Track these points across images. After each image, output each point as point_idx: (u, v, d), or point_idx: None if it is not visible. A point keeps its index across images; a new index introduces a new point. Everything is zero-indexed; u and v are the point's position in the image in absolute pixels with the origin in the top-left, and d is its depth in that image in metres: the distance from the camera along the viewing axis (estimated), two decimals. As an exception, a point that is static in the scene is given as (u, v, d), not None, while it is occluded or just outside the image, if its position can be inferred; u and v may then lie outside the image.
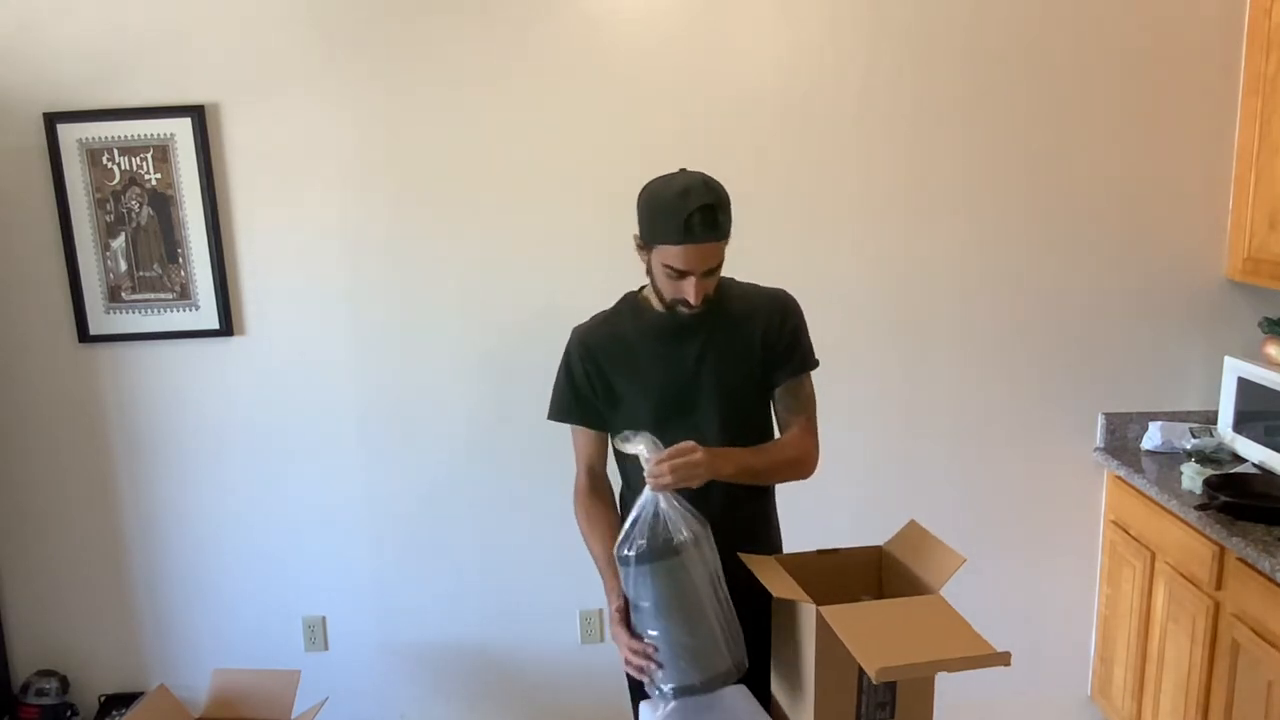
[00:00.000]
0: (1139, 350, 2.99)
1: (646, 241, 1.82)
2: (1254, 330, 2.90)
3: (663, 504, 1.70)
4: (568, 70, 2.81)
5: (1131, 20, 2.80)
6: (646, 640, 1.72)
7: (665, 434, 1.83)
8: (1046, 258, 2.94)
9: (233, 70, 2.80)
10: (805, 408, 1.99)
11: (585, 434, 2.03)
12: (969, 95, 2.85)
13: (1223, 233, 2.91)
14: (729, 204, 1.80)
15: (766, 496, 2.07)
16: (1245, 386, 2.74)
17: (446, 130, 2.84)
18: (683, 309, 1.85)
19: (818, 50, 2.82)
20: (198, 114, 2.79)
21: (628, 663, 1.75)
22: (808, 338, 2.01)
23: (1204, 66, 2.83)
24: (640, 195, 1.84)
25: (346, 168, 2.86)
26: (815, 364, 2.01)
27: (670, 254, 1.77)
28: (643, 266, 1.91)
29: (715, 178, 1.81)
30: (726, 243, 1.81)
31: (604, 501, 2.03)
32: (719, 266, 1.83)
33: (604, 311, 2.03)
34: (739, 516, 1.96)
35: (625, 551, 1.70)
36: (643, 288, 2.00)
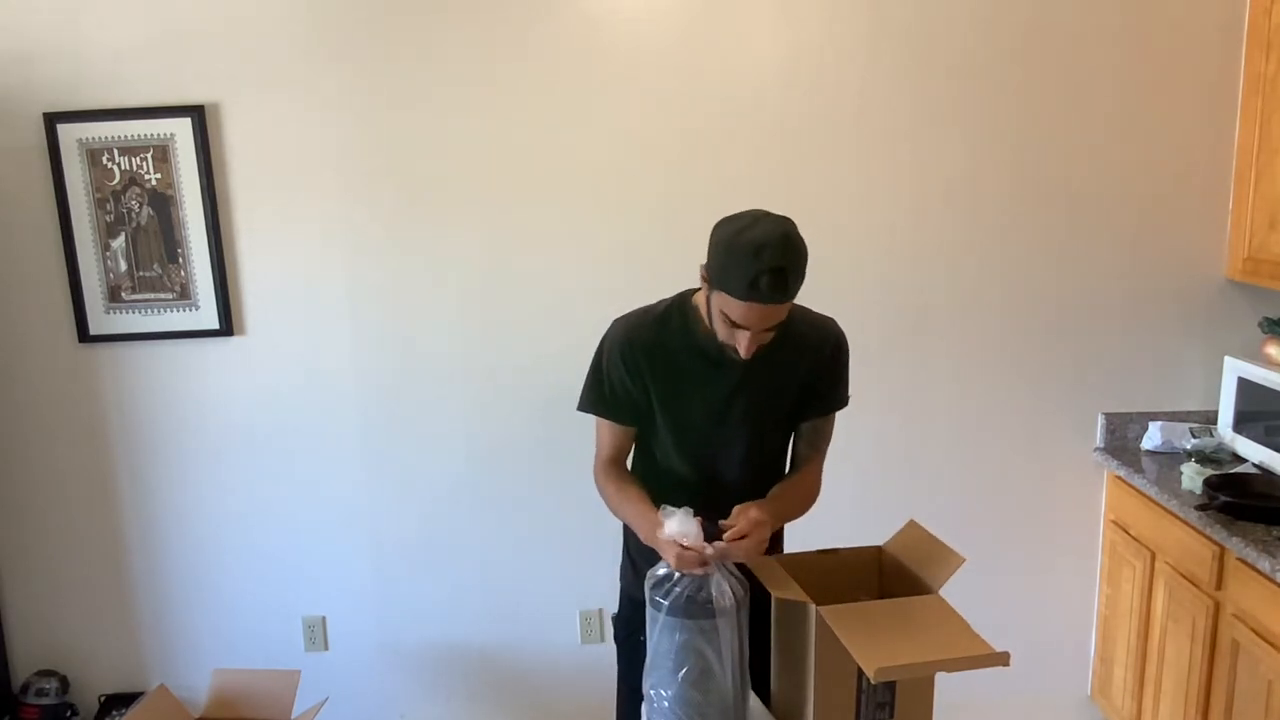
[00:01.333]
0: (1139, 350, 2.99)
1: (712, 280, 1.72)
2: (1254, 330, 2.90)
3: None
4: (568, 70, 2.81)
5: (1131, 20, 2.80)
6: (652, 693, 1.71)
7: (685, 454, 1.85)
8: (1046, 257, 2.93)
9: (233, 70, 2.80)
10: (825, 442, 2.00)
11: (614, 429, 1.95)
12: (969, 95, 2.84)
13: (1223, 233, 2.91)
14: (804, 264, 1.69)
15: None
16: (1245, 386, 2.74)
17: (447, 130, 2.84)
18: (732, 355, 1.78)
19: (817, 51, 2.82)
20: (198, 114, 2.79)
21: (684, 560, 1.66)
22: (848, 376, 1.98)
23: (1204, 66, 2.83)
24: (715, 231, 1.73)
25: (347, 167, 2.86)
26: (845, 403, 2.00)
27: (730, 305, 1.67)
28: (697, 287, 1.86)
29: (797, 233, 1.70)
30: (791, 302, 1.71)
31: (629, 474, 1.98)
32: (779, 326, 1.74)
33: (652, 308, 1.92)
34: None
35: (659, 598, 1.67)
36: (695, 294, 1.90)
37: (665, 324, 1.89)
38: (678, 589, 1.67)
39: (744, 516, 1.72)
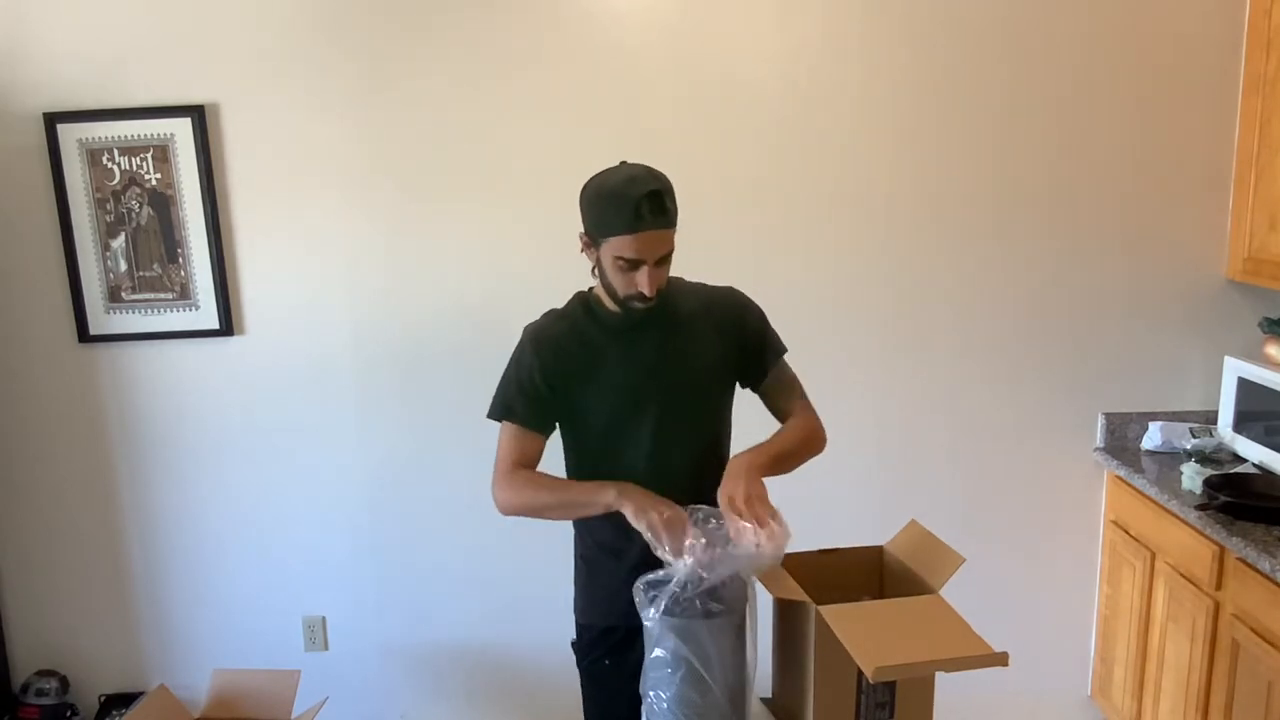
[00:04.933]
0: (1139, 350, 2.99)
1: (594, 237, 1.79)
2: (1254, 330, 2.90)
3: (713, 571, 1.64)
4: (568, 69, 2.82)
5: (1131, 20, 2.80)
6: (650, 695, 1.70)
7: (623, 433, 1.84)
8: (1046, 257, 2.93)
9: (233, 70, 2.80)
10: (795, 388, 2.00)
11: (521, 438, 1.92)
12: (969, 95, 2.84)
13: (1223, 233, 2.91)
14: (674, 191, 1.77)
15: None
16: (1245, 386, 2.74)
17: (446, 129, 2.84)
18: (637, 304, 1.81)
19: (816, 51, 2.82)
20: (198, 114, 2.79)
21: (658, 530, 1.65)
22: (771, 326, 2.00)
23: (1204, 66, 2.83)
24: (584, 191, 1.81)
25: (346, 167, 2.86)
26: (785, 349, 2.01)
27: (622, 244, 1.73)
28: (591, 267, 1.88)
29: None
30: (674, 230, 1.78)
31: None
32: (670, 255, 1.79)
33: (554, 310, 1.96)
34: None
35: (654, 599, 1.64)
36: (592, 289, 1.94)
37: (569, 317, 1.92)
38: (674, 589, 1.65)
39: (730, 477, 1.72)
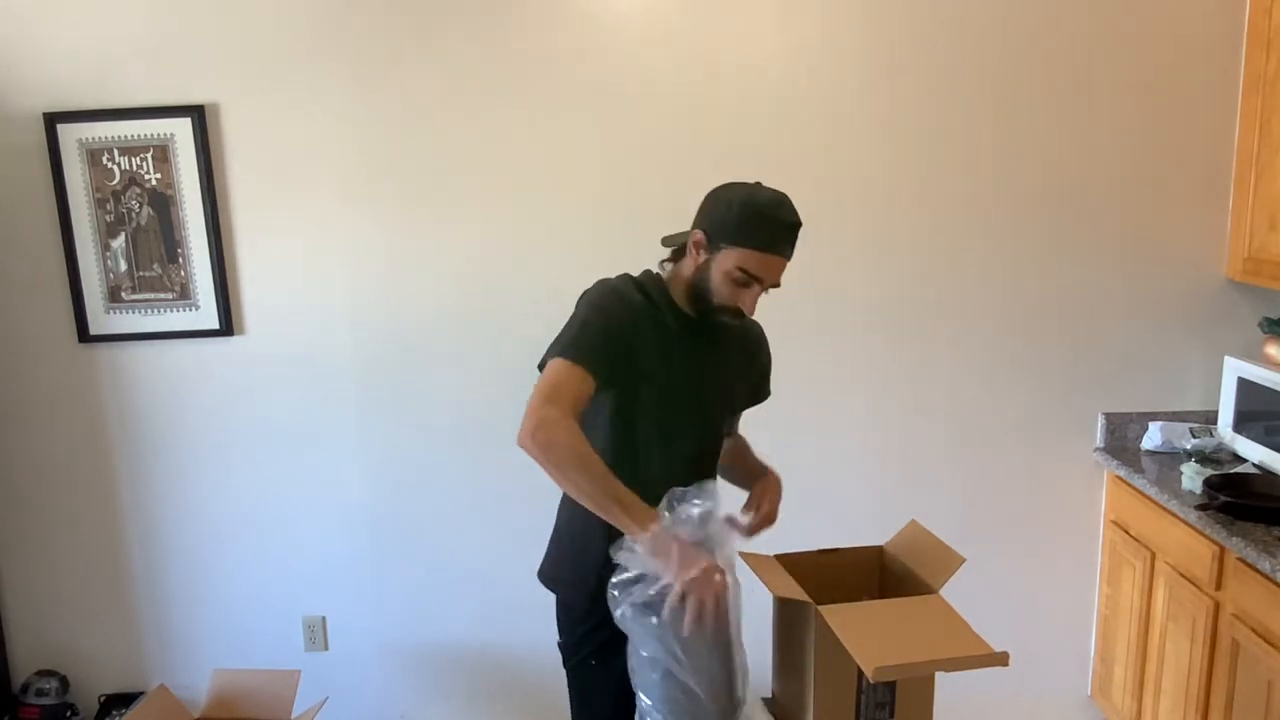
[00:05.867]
0: (1139, 350, 2.99)
1: (719, 240, 1.77)
2: (1254, 330, 2.90)
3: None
4: (568, 69, 2.81)
5: (1131, 20, 2.80)
6: (640, 695, 1.70)
7: (652, 427, 1.83)
8: (1046, 257, 2.93)
9: (233, 70, 2.80)
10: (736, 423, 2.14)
11: (584, 383, 1.73)
12: (969, 96, 2.84)
13: (1223, 233, 2.91)
14: None
15: None
16: (1245, 386, 2.74)
17: (446, 129, 2.84)
18: (727, 318, 1.83)
19: (816, 51, 2.82)
20: (198, 114, 2.79)
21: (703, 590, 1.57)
22: (770, 371, 2.11)
23: (1204, 66, 2.83)
24: (721, 193, 1.81)
25: (346, 167, 2.86)
26: (769, 395, 2.12)
27: (750, 258, 1.76)
28: (663, 257, 1.92)
29: None
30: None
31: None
32: (775, 285, 1.84)
33: (628, 278, 1.88)
34: None
35: (631, 599, 1.62)
36: (660, 276, 1.92)
37: (648, 293, 1.86)
38: (651, 590, 1.60)
39: (766, 498, 1.92)
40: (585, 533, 1.87)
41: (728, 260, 1.77)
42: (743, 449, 2.12)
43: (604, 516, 1.68)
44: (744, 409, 2.10)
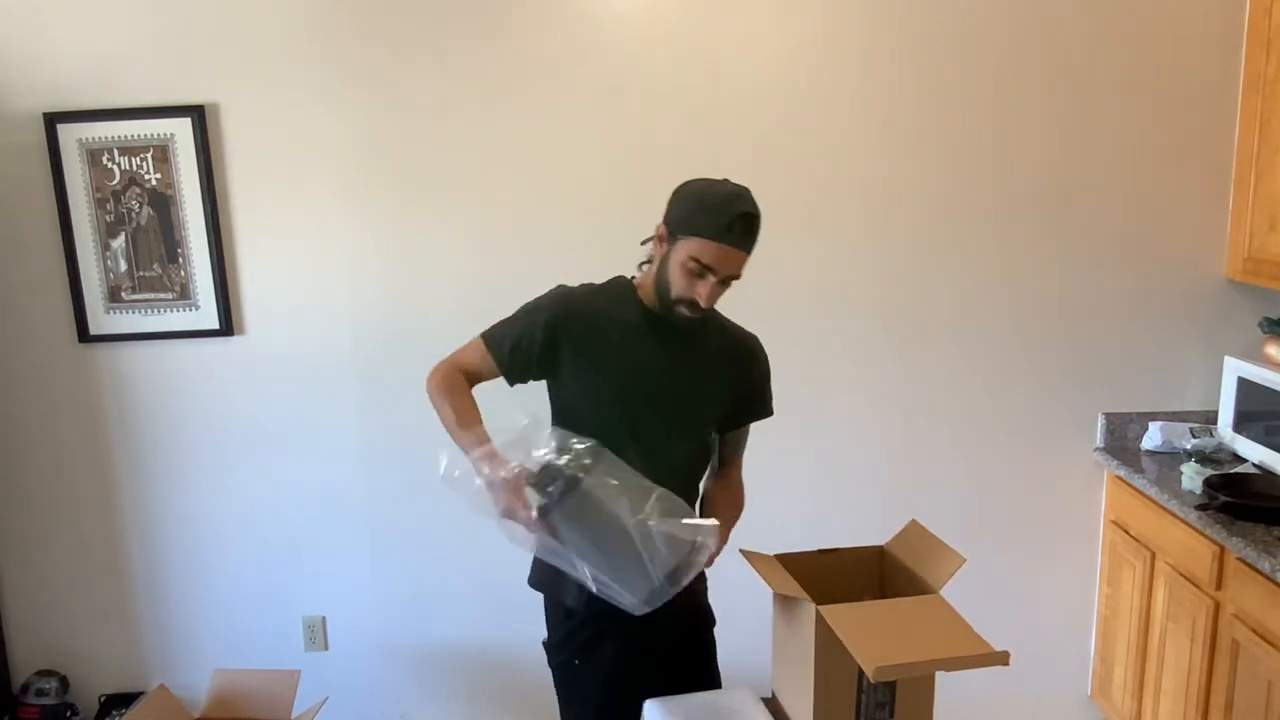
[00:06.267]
0: (1139, 350, 2.99)
1: (677, 231, 1.81)
2: (1254, 330, 2.90)
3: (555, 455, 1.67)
4: (567, 69, 2.82)
5: (1131, 20, 2.80)
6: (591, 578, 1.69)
7: (616, 419, 1.83)
8: (1047, 257, 2.94)
9: (233, 70, 2.80)
10: (743, 445, 2.09)
11: (486, 363, 1.97)
12: (969, 97, 2.84)
13: (1223, 233, 2.91)
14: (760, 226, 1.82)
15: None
16: (1245, 386, 2.74)
17: (446, 130, 2.84)
18: (683, 309, 1.83)
19: (816, 51, 2.82)
20: (198, 114, 2.79)
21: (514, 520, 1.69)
22: (770, 386, 2.06)
23: (1204, 66, 2.83)
24: (683, 187, 1.85)
25: (346, 167, 2.86)
26: (771, 413, 2.06)
27: (702, 248, 1.77)
28: (642, 259, 1.91)
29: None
30: (747, 261, 1.82)
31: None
32: (734, 280, 1.83)
33: (594, 285, 1.98)
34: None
35: (547, 491, 1.65)
36: (633, 277, 1.97)
37: (610, 293, 1.95)
38: (551, 485, 1.64)
39: (717, 534, 1.74)
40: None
41: (683, 250, 1.79)
42: (724, 478, 2.05)
43: (454, 440, 1.85)
44: (737, 424, 2.03)
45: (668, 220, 1.84)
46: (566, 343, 1.89)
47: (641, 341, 1.90)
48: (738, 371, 2.00)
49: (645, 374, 1.89)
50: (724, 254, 1.77)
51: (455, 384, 1.97)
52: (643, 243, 1.94)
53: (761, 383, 2.04)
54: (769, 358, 2.04)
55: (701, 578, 2.01)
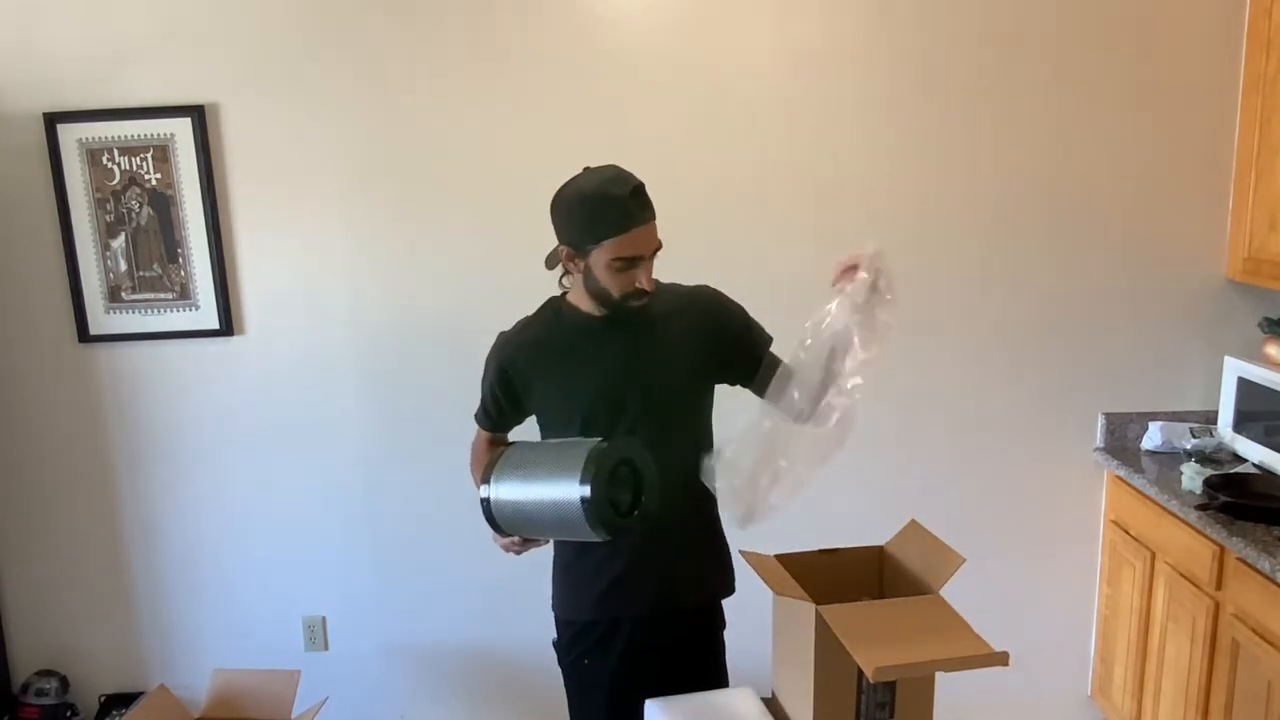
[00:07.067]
0: (1139, 350, 2.99)
1: (581, 246, 1.80)
2: (1254, 330, 2.90)
3: None
4: (568, 69, 2.82)
5: (1131, 20, 2.80)
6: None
7: (597, 432, 1.83)
8: (1047, 257, 2.93)
9: (233, 70, 2.80)
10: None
11: (486, 434, 2.12)
12: (969, 96, 2.84)
13: (1223, 233, 2.91)
14: None
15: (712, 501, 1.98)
16: (1245, 386, 2.74)
17: (446, 129, 2.84)
18: (634, 301, 1.83)
19: (816, 53, 2.82)
20: (198, 114, 2.80)
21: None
22: (753, 318, 2.00)
23: (1204, 66, 2.83)
24: (558, 204, 1.84)
25: (346, 167, 2.86)
26: (771, 338, 1.99)
27: (618, 245, 1.76)
28: (562, 279, 1.94)
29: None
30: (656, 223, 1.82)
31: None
32: (659, 248, 1.83)
33: (526, 317, 2.01)
34: (703, 518, 1.99)
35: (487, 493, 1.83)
36: (564, 294, 1.96)
37: (540, 322, 1.97)
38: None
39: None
40: (562, 555, 2.06)
41: (600, 258, 1.79)
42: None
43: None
44: (752, 369, 1.91)
45: (566, 241, 1.84)
46: (519, 382, 1.95)
47: (597, 346, 1.89)
48: (707, 325, 1.93)
49: (613, 371, 1.88)
50: (638, 236, 1.77)
51: (477, 452, 2.13)
52: (549, 268, 1.94)
53: (741, 319, 1.97)
54: (732, 298, 1.99)
55: (725, 582, 2.04)
